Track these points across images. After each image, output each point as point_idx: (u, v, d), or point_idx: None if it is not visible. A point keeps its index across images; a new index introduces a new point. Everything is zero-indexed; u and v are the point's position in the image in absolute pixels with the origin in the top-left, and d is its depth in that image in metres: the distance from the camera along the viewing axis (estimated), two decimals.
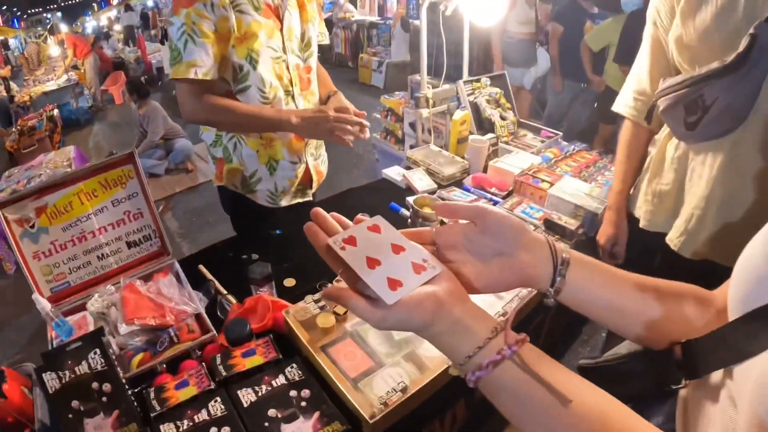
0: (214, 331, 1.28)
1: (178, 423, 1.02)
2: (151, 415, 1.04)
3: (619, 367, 0.72)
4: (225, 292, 1.46)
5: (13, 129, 7.00)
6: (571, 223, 1.69)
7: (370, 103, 6.16)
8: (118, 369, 1.08)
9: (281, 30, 1.65)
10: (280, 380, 1.11)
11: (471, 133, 2.38)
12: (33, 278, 1.37)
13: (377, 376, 1.12)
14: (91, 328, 1.30)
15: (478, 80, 2.58)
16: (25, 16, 30.06)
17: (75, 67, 10.15)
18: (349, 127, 1.61)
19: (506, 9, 2.22)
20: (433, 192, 2.01)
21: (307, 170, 1.91)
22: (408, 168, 2.24)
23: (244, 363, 1.15)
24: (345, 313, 1.27)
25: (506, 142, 2.45)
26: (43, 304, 1.29)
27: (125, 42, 13.79)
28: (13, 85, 9.53)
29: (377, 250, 0.59)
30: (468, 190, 2.03)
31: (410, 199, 1.77)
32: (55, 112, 7.77)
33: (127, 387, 1.07)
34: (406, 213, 1.86)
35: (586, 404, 0.51)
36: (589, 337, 2.80)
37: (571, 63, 4.55)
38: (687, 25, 1.27)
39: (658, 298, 0.64)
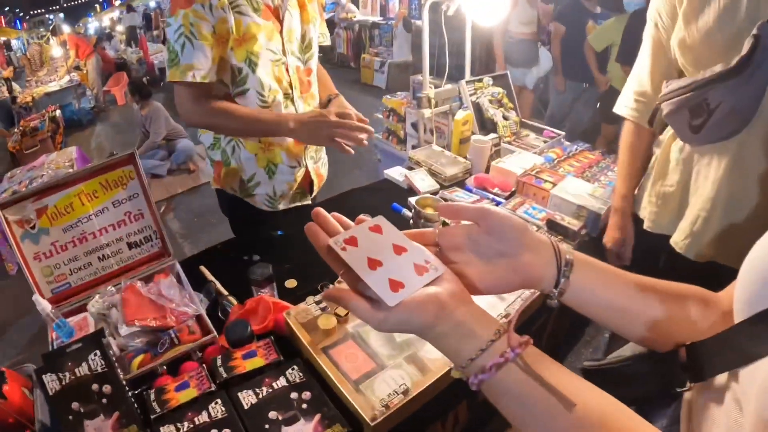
0: (215, 333, 1.28)
1: (179, 425, 1.02)
2: (152, 416, 1.04)
3: (623, 370, 0.71)
4: (226, 293, 1.46)
5: (16, 130, 7.02)
6: (574, 224, 1.68)
7: (372, 104, 6.17)
8: (119, 370, 1.08)
9: (281, 32, 1.62)
10: (281, 382, 1.10)
11: (473, 133, 2.37)
12: (34, 279, 1.37)
13: (379, 378, 1.11)
14: (92, 329, 1.30)
15: (480, 80, 2.57)
16: (27, 17, 30.13)
17: (77, 68, 10.17)
18: (350, 133, 1.54)
19: (508, 9, 2.21)
20: (435, 192, 2.00)
21: (307, 174, 1.88)
22: (410, 168, 2.24)
23: (245, 365, 1.14)
24: (346, 314, 1.26)
25: (509, 143, 2.44)
26: (44, 305, 1.29)
27: (127, 43, 13.80)
28: (15, 85, 9.56)
29: (379, 250, 0.59)
30: (470, 191, 2.02)
31: (412, 200, 1.76)
32: (58, 112, 7.78)
33: (127, 388, 1.06)
34: (408, 214, 1.85)
35: (590, 407, 0.50)
36: (591, 338, 2.80)
37: (573, 63, 4.55)
38: (690, 27, 1.27)
39: (661, 299, 0.64)
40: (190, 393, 1.08)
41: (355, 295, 0.56)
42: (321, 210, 0.64)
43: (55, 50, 11.87)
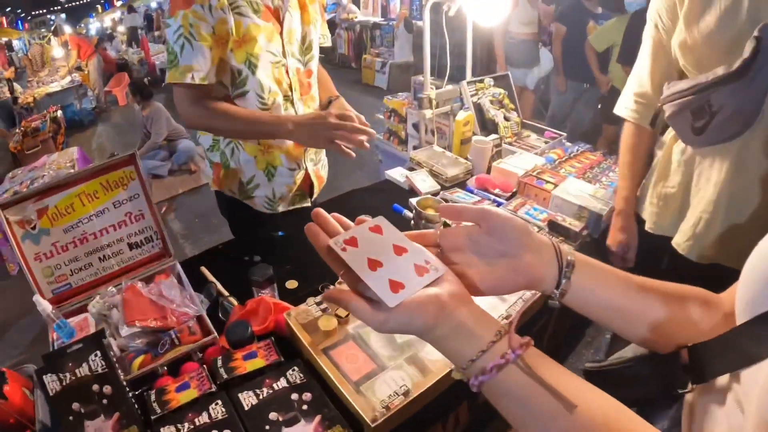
0: (216, 334, 1.28)
1: (179, 426, 1.01)
2: (152, 417, 1.03)
3: (625, 371, 0.71)
4: (227, 293, 1.45)
5: (17, 130, 7.02)
6: (575, 225, 1.68)
7: (374, 104, 6.16)
8: (119, 371, 1.07)
9: (281, 33, 1.60)
10: (282, 383, 1.10)
11: (474, 134, 2.37)
12: (34, 280, 1.37)
13: (379, 379, 1.11)
14: (93, 329, 1.30)
15: (481, 81, 2.57)
16: (29, 18, 30.24)
17: (79, 69, 10.18)
18: (350, 135, 1.49)
19: (509, 9, 2.21)
20: (436, 193, 2.00)
21: (307, 176, 1.87)
22: (411, 169, 2.24)
23: (245, 365, 1.14)
24: (347, 315, 1.26)
25: (510, 143, 2.44)
26: (44, 305, 1.29)
27: (128, 43, 13.83)
28: (16, 86, 9.57)
29: (379, 251, 0.59)
30: (471, 192, 2.02)
31: (413, 201, 1.76)
32: (59, 113, 7.78)
33: (127, 389, 1.06)
34: (409, 214, 1.85)
35: (591, 409, 0.50)
36: (593, 339, 2.79)
37: (574, 63, 4.55)
38: (691, 29, 1.27)
39: (663, 300, 0.64)
40: (191, 394, 1.08)
41: (355, 296, 0.56)
42: (321, 210, 0.64)
43: (57, 51, 11.88)
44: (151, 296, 1.34)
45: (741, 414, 0.50)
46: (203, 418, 1.02)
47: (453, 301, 0.55)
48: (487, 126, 2.50)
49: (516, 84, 2.80)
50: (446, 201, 1.90)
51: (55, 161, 4.92)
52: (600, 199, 1.77)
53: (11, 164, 6.39)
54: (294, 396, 1.07)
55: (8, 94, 8.78)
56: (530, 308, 1.38)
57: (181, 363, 1.21)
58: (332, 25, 10.06)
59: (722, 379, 0.54)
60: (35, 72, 11.88)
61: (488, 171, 2.16)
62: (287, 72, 1.66)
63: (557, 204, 1.80)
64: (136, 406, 1.05)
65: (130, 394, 1.06)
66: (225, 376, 1.11)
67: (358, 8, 10.57)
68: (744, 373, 0.50)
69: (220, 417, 1.02)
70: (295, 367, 1.14)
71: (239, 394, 1.07)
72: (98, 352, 1.06)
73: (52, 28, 16.85)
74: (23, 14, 30.15)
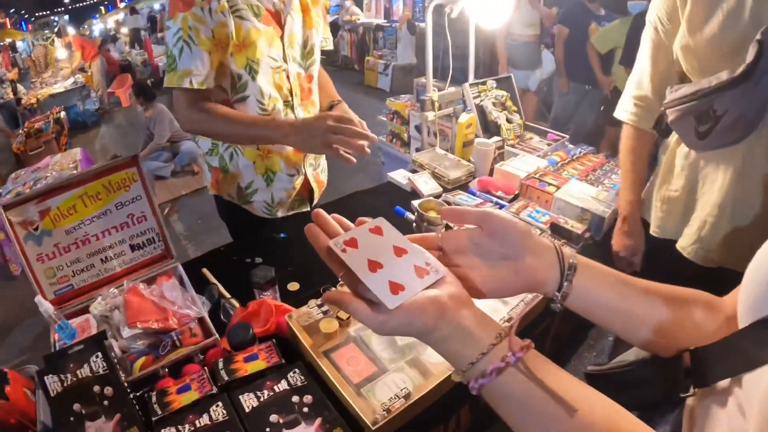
0: (217, 336, 1.28)
1: (180, 427, 1.01)
2: (153, 419, 1.03)
3: (627, 375, 0.71)
4: (228, 295, 1.45)
5: (20, 131, 7.04)
6: (577, 227, 1.68)
7: (376, 106, 6.17)
8: (120, 372, 1.08)
9: (282, 37, 1.58)
10: (283, 385, 1.10)
11: (477, 136, 2.37)
12: (36, 281, 1.37)
13: (380, 381, 1.11)
14: (95, 331, 1.29)
15: (483, 83, 2.57)
16: (32, 19, 30.35)
17: (82, 70, 10.22)
18: (348, 139, 1.38)
19: (511, 11, 2.21)
20: (438, 195, 2.00)
21: (306, 181, 1.85)
22: (413, 171, 2.24)
23: (246, 367, 1.14)
24: (348, 318, 1.26)
25: (512, 145, 2.44)
26: (46, 306, 1.29)
27: (131, 45, 13.86)
28: (20, 87, 9.61)
29: (379, 252, 0.58)
30: (474, 194, 2.02)
31: (415, 203, 1.76)
32: (62, 114, 7.82)
33: (128, 390, 1.06)
34: (411, 217, 1.84)
35: (592, 413, 0.50)
36: (595, 341, 2.79)
37: (576, 65, 4.55)
38: (694, 32, 1.26)
39: (667, 302, 0.64)
40: (192, 395, 1.08)
41: (355, 298, 0.56)
42: (321, 211, 0.64)
43: (60, 52, 11.93)
44: (153, 298, 1.34)
45: (742, 418, 0.49)
46: (204, 420, 1.02)
47: (453, 303, 0.55)
48: (489, 128, 2.50)
49: (518, 86, 2.80)
50: (448, 203, 1.90)
51: (58, 162, 4.93)
52: (602, 201, 1.76)
53: (14, 165, 6.41)
54: (295, 398, 1.07)
55: (12, 95, 8.82)
56: (532, 311, 1.38)
57: (182, 364, 1.21)
58: (335, 26, 10.08)
59: (724, 383, 0.54)
60: (39, 73, 11.94)
61: (491, 173, 2.16)
62: (288, 77, 1.65)
63: (559, 206, 1.80)
64: (137, 407, 1.05)
65: (131, 396, 1.06)
66: (226, 377, 1.11)
67: (361, 10, 10.58)
68: (746, 377, 0.50)
69: (220, 419, 1.02)
70: (296, 370, 1.14)
71: (240, 396, 1.07)
72: (99, 354, 1.06)
73: (56, 29, 16.94)
74: (27, 15, 30.26)
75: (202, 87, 1.46)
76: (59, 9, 30.91)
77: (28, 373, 1.17)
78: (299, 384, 1.10)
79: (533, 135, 2.60)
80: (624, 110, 1.58)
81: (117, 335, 1.27)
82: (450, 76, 2.48)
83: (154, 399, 1.08)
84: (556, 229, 1.69)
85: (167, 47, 1.47)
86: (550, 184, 1.88)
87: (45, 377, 1.02)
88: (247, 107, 1.58)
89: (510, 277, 0.62)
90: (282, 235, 1.80)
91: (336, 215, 0.65)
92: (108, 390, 1.02)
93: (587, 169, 2.10)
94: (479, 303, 0.59)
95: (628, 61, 3.70)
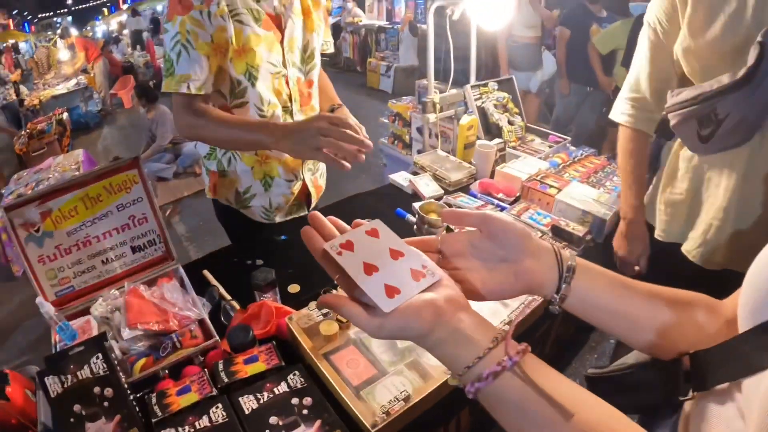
0: (217, 337, 1.28)
1: (179, 429, 1.01)
2: (153, 420, 1.03)
3: (626, 378, 0.71)
4: (229, 297, 1.46)
5: (23, 132, 7.06)
6: (578, 230, 1.67)
7: (379, 108, 6.18)
8: (121, 374, 1.07)
9: (282, 42, 1.55)
10: (282, 387, 1.10)
11: (478, 138, 2.37)
12: (38, 282, 1.37)
13: (380, 384, 1.11)
14: (95, 332, 1.29)
15: (485, 85, 2.57)
16: (35, 20, 30.42)
17: (84, 71, 10.24)
18: (341, 144, 1.25)
19: (513, 12, 2.21)
20: (439, 198, 2.00)
21: (304, 186, 1.83)
22: (415, 173, 2.24)
23: (246, 369, 1.14)
24: (348, 320, 1.25)
25: (514, 147, 2.44)
26: (47, 308, 1.29)
27: (133, 46, 13.89)
28: (23, 88, 9.62)
29: (375, 255, 0.58)
30: (475, 196, 2.02)
31: (416, 205, 1.76)
32: (65, 115, 7.83)
33: (129, 392, 1.06)
34: (412, 219, 1.84)
35: (589, 418, 0.50)
36: (596, 344, 2.79)
37: (577, 66, 4.55)
38: (695, 35, 1.26)
39: (669, 305, 0.64)
40: (192, 397, 1.08)
41: (350, 302, 0.55)
42: (317, 214, 0.64)
43: (63, 53, 11.94)
44: (154, 299, 1.34)
45: (742, 422, 0.49)
46: (204, 422, 1.02)
47: (449, 306, 0.55)
48: (491, 130, 2.50)
49: (519, 87, 2.80)
50: (449, 205, 1.90)
51: (60, 163, 4.94)
52: (604, 203, 1.76)
53: (17, 166, 6.43)
54: (294, 400, 1.07)
55: (14, 97, 8.83)
56: (533, 313, 1.38)
57: (182, 366, 1.21)
58: (337, 28, 10.10)
59: (723, 387, 0.54)
60: (41, 74, 11.97)
61: (492, 175, 2.16)
62: (287, 82, 1.62)
63: (561, 209, 1.80)
64: (137, 408, 1.05)
65: (131, 397, 1.06)
66: (226, 379, 1.11)
67: (364, 12, 10.62)
68: (746, 382, 0.49)
69: (220, 421, 1.02)
70: (296, 372, 1.14)
71: (240, 398, 1.07)
72: (100, 355, 1.06)
73: (59, 30, 16.96)
74: (30, 17, 30.34)
75: (200, 92, 1.44)
76: (62, 10, 31.00)
77: (29, 374, 1.17)
78: (299, 386, 1.10)
79: (535, 137, 2.60)
80: (620, 112, 1.57)
81: (117, 336, 1.27)
82: (451, 78, 2.48)
83: (154, 400, 1.08)
84: (557, 232, 1.69)
85: (165, 51, 1.45)
86: (551, 187, 1.88)
87: (45, 378, 1.02)
88: (245, 113, 1.56)
89: (509, 279, 0.63)
90: (283, 237, 1.80)
91: (332, 217, 0.65)
92: (108, 391, 1.02)
93: (589, 171, 2.10)
94: (481, 305, 0.59)
95: (630, 63, 3.71)
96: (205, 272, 1.56)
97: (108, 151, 7.60)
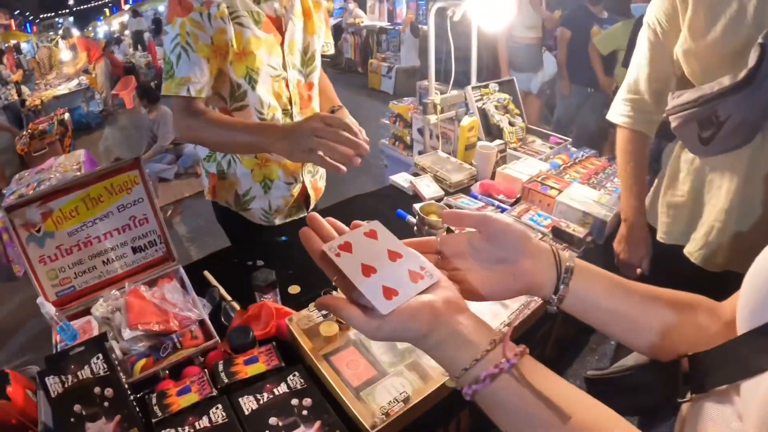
0: (217, 338, 1.28)
1: (179, 429, 1.01)
2: (153, 420, 1.04)
3: (625, 380, 0.71)
4: (229, 298, 1.46)
5: (24, 132, 7.07)
6: (579, 231, 1.67)
7: (380, 109, 6.18)
8: (121, 374, 1.08)
9: (282, 44, 1.55)
10: (282, 388, 1.10)
11: (479, 139, 2.37)
12: (39, 282, 1.37)
13: (380, 385, 1.11)
14: (96, 332, 1.30)
15: (486, 86, 2.58)
16: (37, 21, 30.46)
17: (86, 72, 10.25)
18: (335, 145, 1.18)
19: (514, 13, 2.21)
20: (440, 199, 2.00)
21: (304, 189, 1.83)
22: (415, 174, 2.24)
23: (246, 370, 1.14)
24: None
25: (514, 149, 2.44)
26: (48, 308, 1.29)
27: (134, 47, 13.90)
28: (24, 88, 9.64)
29: (373, 257, 0.58)
30: (475, 197, 2.02)
31: (417, 206, 1.76)
32: (66, 116, 7.85)
33: (129, 392, 1.06)
34: (413, 220, 1.85)
35: (586, 420, 0.49)
36: (597, 345, 2.78)
37: (578, 67, 4.55)
38: (696, 37, 1.26)
39: (670, 306, 0.64)
40: (192, 398, 1.08)
41: (348, 304, 0.55)
42: (316, 215, 0.64)
43: (64, 54, 11.97)
44: (154, 300, 1.35)
45: (740, 424, 0.49)
46: (204, 422, 1.02)
47: (447, 308, 0.55)
48: (491, 131, 2.50)
49: (520, 89, 2.80)
50: (450, 207, 1.90)
51: (61, 164, 4.95)
52: (604, 205, 1.76)
53: (18, 166, 6.44)
54: (294, 401, 1.07)
55: (16, 97, 8.84)
56: (533, 314, 1.37)
57: (182, 367, 1.21)
58: (338, 29, 10.11)
59: (721, 389, 0.54)
60: (43, 75, 11.99)
61: (492, 176, 2.16)
62: (287, 85, 1.62)
63: (561, 210, 1.79)
64: (138, 409, 1.05)
65: (132, 397, 1.06)
66: (226, 380, 1.11)
67: (365, 13, 10.62)
68: (744, 384, 0.49)
69: (220, 421, 1.02)
70: (296, 373, 1.14)
71: (240, 399, 1.07)
72: (100, 355, 1.06)
73: (60, 31, 16.99)
74: (31, 17, 30.38)
75: (200, 95, 1.43)
76: (64, 11, 31.04)
77: (30, 374, 1.17)
78: (299, 387, 1.10)
79: (535, 138, 2.60)
80: (618, 113, 1.57)
81: (118, 337, 1.27)
82: (452, 79, 2.48)
83: (154, 401, 1.08)
84: (558, 233, 1.69)
85: (165, 53, 1.44)
86: (552, 188, 1.88)
87: (46, 378, 1.02)
88: (245, 116, 1.56)
89: (508, 279, 0.63)
90: (283, 238, 1.80)
91: (331, 219, 0.65)
92: (108, 391, 1.03)
93: (589, 172, 2.10)
94: (481, 306, 0.59)
95: None
96: (206, 273, 1.57)
97: (109, 152, 7.61)
